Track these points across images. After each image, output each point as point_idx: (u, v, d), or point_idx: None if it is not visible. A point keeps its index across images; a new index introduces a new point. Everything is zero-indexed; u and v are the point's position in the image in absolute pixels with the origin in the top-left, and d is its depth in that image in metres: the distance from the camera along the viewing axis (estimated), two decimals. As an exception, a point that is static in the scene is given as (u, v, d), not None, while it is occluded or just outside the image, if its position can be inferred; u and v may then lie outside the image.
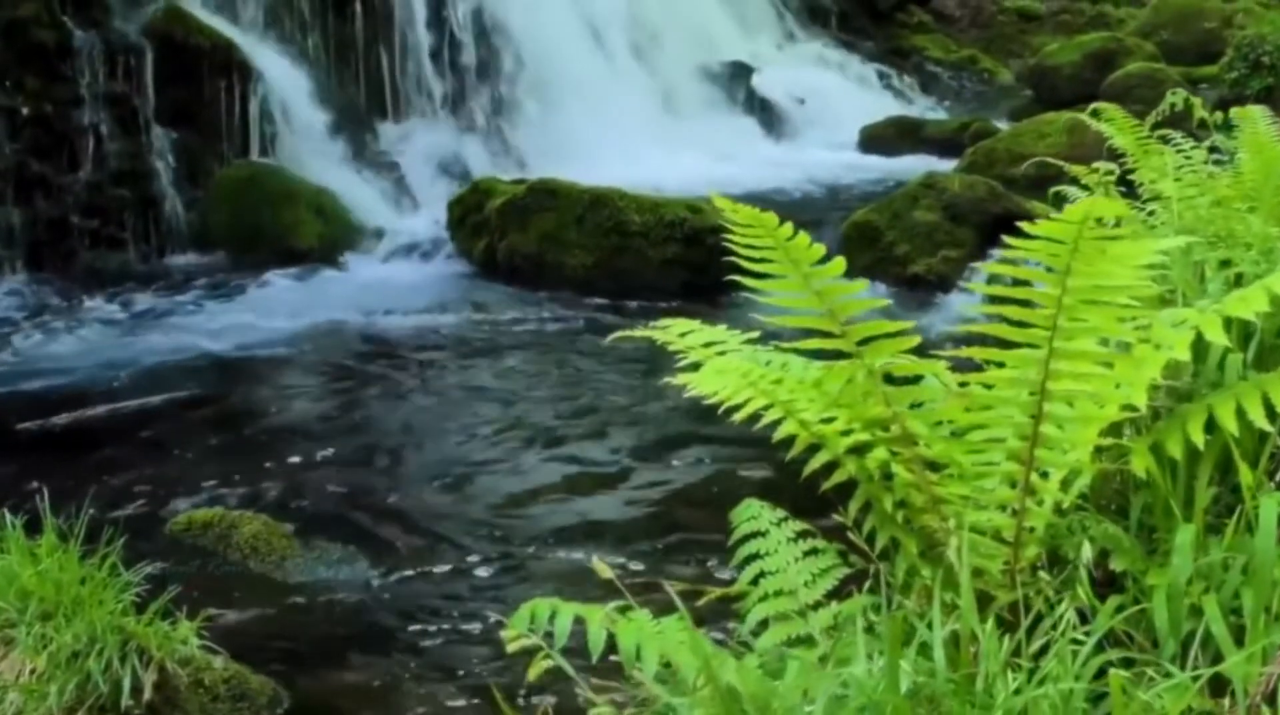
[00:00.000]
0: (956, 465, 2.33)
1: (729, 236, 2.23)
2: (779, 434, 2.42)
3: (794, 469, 2.49)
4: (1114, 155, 4.00)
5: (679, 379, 2.46)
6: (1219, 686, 1.97)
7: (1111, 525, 2.34)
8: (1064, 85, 13.18)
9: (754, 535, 2.60)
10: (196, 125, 9.11)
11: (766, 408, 2.39)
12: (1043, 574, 2.25)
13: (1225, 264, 3.14)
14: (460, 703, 3.71)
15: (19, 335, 7.41)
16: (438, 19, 10.74)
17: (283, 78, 9.58)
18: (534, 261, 8.21)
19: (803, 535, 2.59)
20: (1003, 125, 11.60)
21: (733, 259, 2.25)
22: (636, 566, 4.38)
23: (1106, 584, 2.26)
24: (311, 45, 10.11)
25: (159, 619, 3.28)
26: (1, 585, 3.21)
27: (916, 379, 2.46)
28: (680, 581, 2.40)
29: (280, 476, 5.37)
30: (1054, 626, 2.04)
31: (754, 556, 2.56)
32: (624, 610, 2.32)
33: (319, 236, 8.84)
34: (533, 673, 2.19)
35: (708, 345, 2.59)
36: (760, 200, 2.27)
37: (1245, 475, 2.20)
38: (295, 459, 5.57)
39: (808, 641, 2.41)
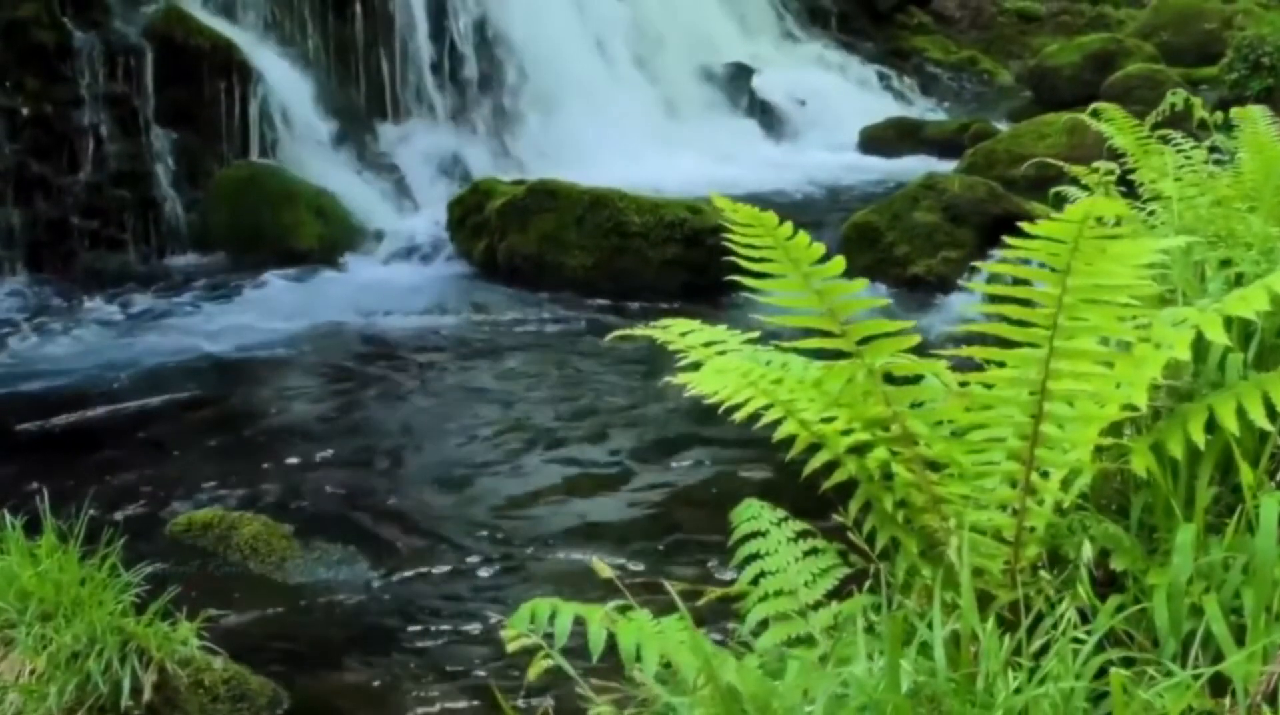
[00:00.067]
0: (957, 465, 2.33)
1: (729, 236, 2.23)
2: (779, 434, 2.42)
3: (794, 469, 2.49)
4: (1114, 156, 4.00)
5: (679, 378, 2.46)
6: (1219, 686, 1.97)
7: (1112, 525, 2.34)
8: (1064, 86, 13.18)
9: (754, 535, 2.60)
10: (196, 126, 9.11)
11: (766, 407, 2.40)
12: (1043, 573, 2.25)
13: (1225, 264, 3.14)
14: (460, 703, 3.71)
15: (19, 336, 7.41)
16: (438, 15, 10.74)
17: (283, 79, 9.57)
18: (534, 262, 8.21)
19: (803, 535, 2.59)
20: (1003, 126, 11.60)
21: (733, 259, 2.25)
22: (636, 567, 4.38)
23: (1107, 583, 2.26)
24: (312, 47, 10.11)
25: (159, 620, 3.27)
26: (1, 586, 3.21)
27: (917, 379, 2.46)
28: (680, 581, 2.40)
29: (280, 477, 5.37)
30: (1054, 626, 2.04)
31: (754, 556, 2.57)
32: (624, 610, 2.32)
33: (319, 237, 8.83)
34: (533, 672, 2.19)
35: (708, 345, 2.59)
36: (760, 201, 2.27)
37: (1246, 475, 2.20)
38: (295, 460, 5.57)
39: (808, 641, 2.41)
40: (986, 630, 2.01)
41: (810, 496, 2.49)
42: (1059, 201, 3.63)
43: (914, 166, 10.35)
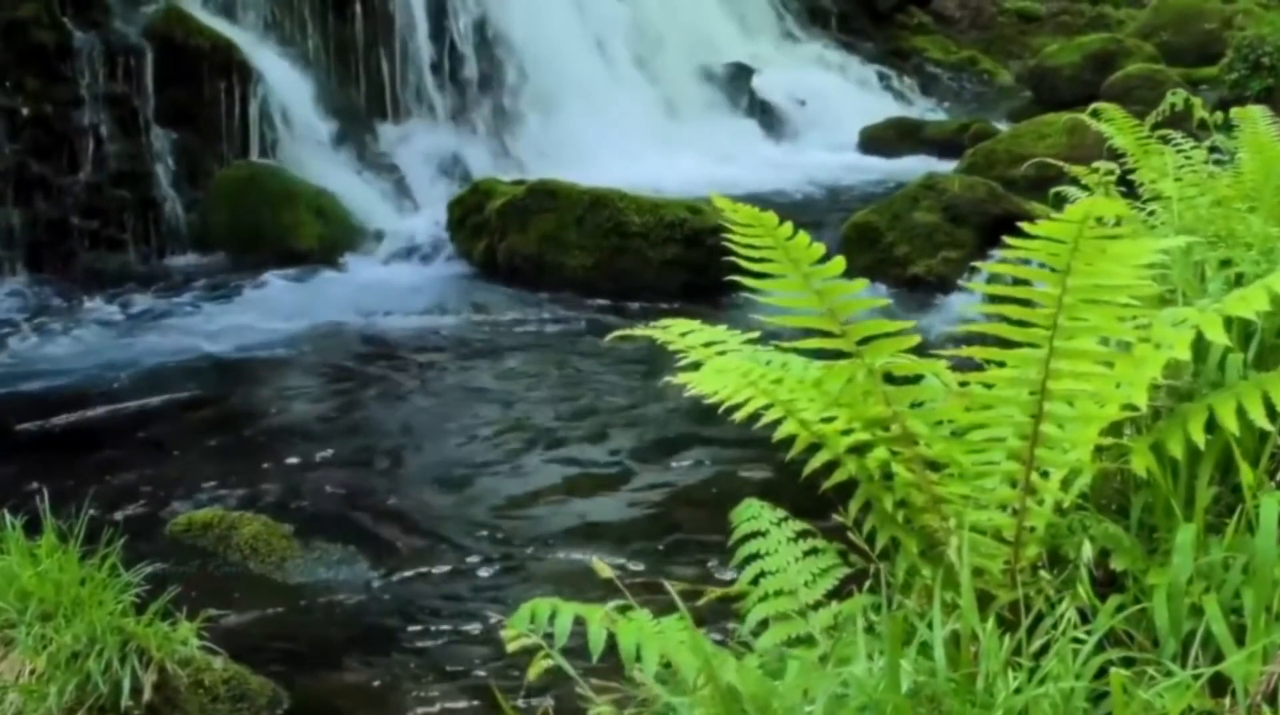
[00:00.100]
0: (957, 465, 2.33)
1: (729, 236, 2.23)
2: (779, 434, 2.42)
3: (794, 469, 2.49)
4: (1114, 155, 4.00)
5: (679, 378, 2.46)
6: (1220, 686, 1.97)
7: (1112, 525, 2.34)
8: (1064, 86, 13.18)
9: (754, 535, 2.60)
10: (196, 126, 9.11)
11: (766, 407, 2.40)
12: (1043, 573, 2.25)
13: (1225, 264, 3.14)
14: (460, 703, 3.71)
15: (19, 336, 7.41)
16: (438, 15, 10.74)
17: (283, 79, 9.57)
18: (534, 262, 8.21)
19: (803, 535, 2.59)
20: (1002, 126, 11.60)
21: (732, 259, 2.25)
22: (636, 567, 4.38)
23: (1107, 583, 2.26)
24: (312, 47, 10.10)
25: (159, 620, 3.27)
26: (1, 586, 3.21)
27: (917, 379, 2.46)
28: (680, 581, 2.40)
29: (280, 477, 5.37)
30: (1054, 626, 2.04)
31: (754, 556, 2.56)
32: (624, 610, 2.32)
33: (319, 237, 8.83)
34: (533, 672, 2.19)
35: (708, 345, 2.59)
36: (760, 201, 2.27)
37: (1246, 474, 2.20)
38: (295, 460, 5.56)
39: (808, 641, 2.41)
40: (986, 630, 2.01)
41: (810, 496, 2.49)
42: (1059, 201, 3.63)
43: (914, 166, 10.35)
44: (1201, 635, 2.03)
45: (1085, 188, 3.84)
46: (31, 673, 3.11)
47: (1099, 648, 1.98)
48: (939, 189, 8.02)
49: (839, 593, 2.49)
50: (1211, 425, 2.26)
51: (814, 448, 2.43)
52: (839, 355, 2.28)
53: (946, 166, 10.00)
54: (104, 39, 8.81)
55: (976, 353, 2.26)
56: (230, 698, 3.45)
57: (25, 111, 8.40)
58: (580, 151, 10.35)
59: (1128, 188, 3.89)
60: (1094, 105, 4.31)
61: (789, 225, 2.19)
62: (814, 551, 2.56)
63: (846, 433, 2.39)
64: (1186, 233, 3.11)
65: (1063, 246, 2.08)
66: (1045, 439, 2.26)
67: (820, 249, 2.20)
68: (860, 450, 2.41)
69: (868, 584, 2.40)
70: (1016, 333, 2.21)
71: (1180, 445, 2.27)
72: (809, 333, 2.30)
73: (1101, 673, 1.93)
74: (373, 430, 6.00)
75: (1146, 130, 4.02)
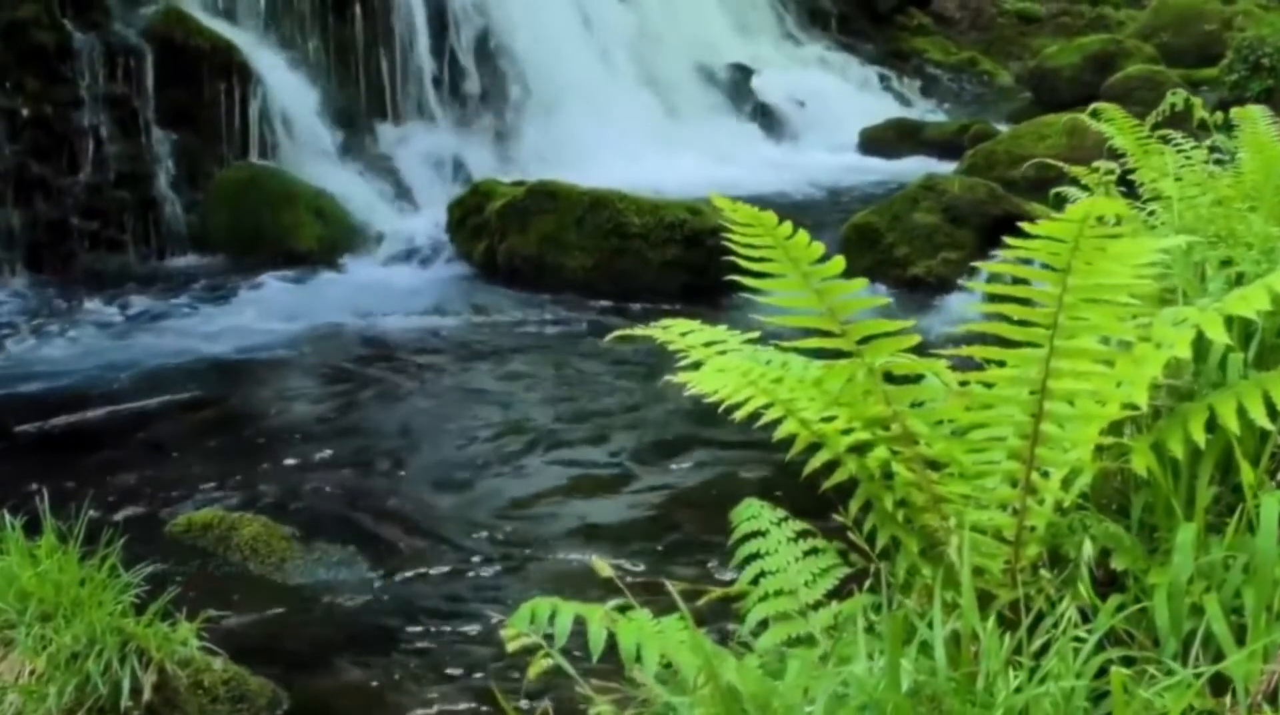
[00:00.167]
0: (957, 464, 2.33)
1: (729, 236, 2.23)
2: (779, 433, 2.42)
3: (794, 470, 2.49)
4: (1114, 156, 4.00)
5: (680, 378, 2.46)
6: (1220, 685, 1.97)
7: (1112, 524, 2.34)
8: (1064, 87, 13.19)
9: (754, 535, 2.60)
10: (196, 127, 9.12)
11: (767, 407, 2.39)
12: (1044, 573, 2.25)
13: (1226, 263, 3.13)
14: (460, 703, 3.71)
15: (18, 337, 7.41)
16: (438, 14, 10.74)
17: (283, 80, 9.58)
18: (534, 263, 8.21)
19: (803, 535, 2.59)
20: (1002, 127, 11.61)
21: (732, 259, 2.25)
22: (636, 567, 4.38)
23: (1107, 583, 2.26)
24: (311, 48, 10.11)
25: (158, 620, 3.27)
26: (1, 586, 3.20)
27: (917, 378, 2.46)
28: (680, 581, 2.39)
29: (280, 478, 5.37)
30: (1055, 625, 2.04)
31: (754, 556, 2.56)
32: (624, 610, 2.31)
33: (318, 239, 8.83)
34: (533, 672, 2.19)
35: (708, 345, 2.59)
36: (760, 202, 2.26)
37: (1247, 474, 2.20)
38: (295, 461, 5.56)
39: (808, 641, 2.41)
40: (987, 629, 2.01)
41: (810, 496, 2.49)
42: (1059, 202, 3.62)
43: (914, 167, 10.36)
44: (1202, 634, 2.03)
45: (1085, 188, 3.84)
46: (31, 673, 3.11)
47: (1099, 647, 1.98)
48: (939, 190, 8.02)
49: (839, 592, 2.49)
50: (1212, 424, 2.26)
51: (814, 447, 2.43)
52: (839, 355, 2.28)
53: (946, 167, 10.01)
54: (104, 40, 8.81)
55: (977, 352, 2.26)
56: (230, 698, 3.44)
57: (25, 112, 8.40)
58: (580, 152, 10.36)
59: (1128, 188, 3.89)
60: (1094, 106, 4.30)
61: (788, 225, 2.19)
62: (814, 551, 2.55)
63: (847, 432, 2.39)
64: (1187, 232, 3.10)
65: (1063, 246, 2.08)
66: (1046, 438, 2.25)
67: (820, 248, 2.19)
68: (860, 450, 2.41)
69: (868, 584, 2.40)
70: (1017, 332, 2.21)
71: (1181, 444, 2.27)
72: (809, 332, 2.29)
73: (1102, 672, 1.92)
74: (372, 431, 6.00)
75: (1146, 130, 4.02)
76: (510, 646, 2.24)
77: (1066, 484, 2.29)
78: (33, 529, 3.35)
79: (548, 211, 8.24)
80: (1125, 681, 1.84)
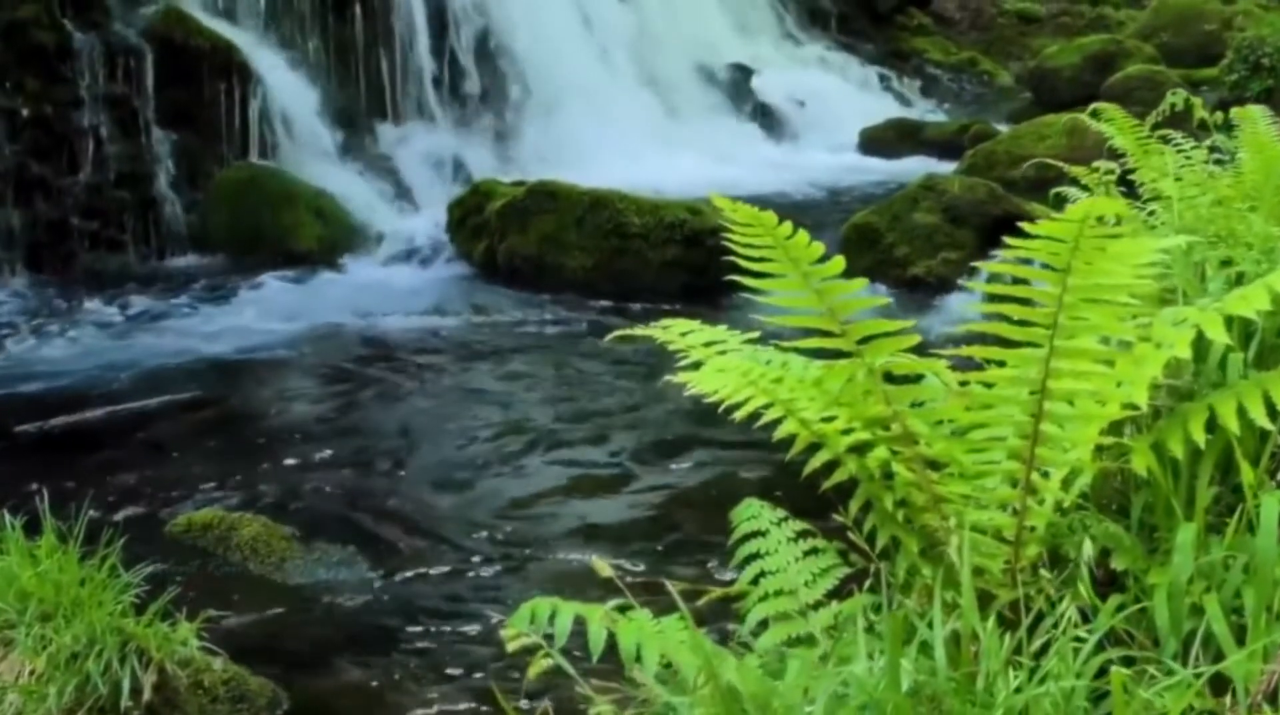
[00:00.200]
0: (957, 464, 2.33)
1: (728, 236, 2.23)
2: (779, 433, 2.42)
3: (794, 470, 2.49)
4: (1114, 156, 4.00)
5: (680, 377, 2.46)
6: (1220, 685, 1.97)
7: (1112, 524, 2.34)
8: (1064, 87, 13.19)
9: (754, 535, 2.60)
10: (196, 127, 9.11)
11: (767, 406, 2.39)
12: (1044, 573, 2.25)
13: (1226, 263, 3.13)
14: (460, 703, 3.71)
15: (18, 337, 7.40)
16: (438, 13, 10.74)
17: (283, 80, 9.58)
18: (534, 263, 8.21)
19: (803, 535, 2.59)
20: (1002, 127, 11.61)
21: (732, 258, 2.25)
22: (636, 567, 4.38)
23: (1107, 583, 2.26)
24: (311, 48, 10.11)
25: (158, 620, 3.27)
26: (1, 586, 3.20)
27: (917, 378, 2.46)
28: (680, 581, 2.39)
29: (280, 478, 5.37)
30: (1055, 625, 2.04)
31: (754, 556, 2.56)
32: (624, 610, 2.31)
33: (318, 239, 8.83)
34: (533, 671, 2.19)
35: (708, 345, 2.59)
36: (761, 202, 2.27)
37: (1247, 474, 2.20)
38: (295, 461, 5.56)
39: (808, 641, 2.40)
40: (987, 629, 2.01)
41: (810, 496, 2.49)
42: (1059, 202, 3.62)
43: (914, 168, 10.35)
44: (1202, 634, 2.03)
45: (1085, 188, 3.84)
46: (31, 673, 3.11)
47: (1099, 647, 1.98)
48: (939, 190, 8.02)
49: (839, 592, 2.49)
50: (1212, 424, 2.26)
51: (814, 447, 2.43)
52: (839, 355, 2.28)
53: (946, 167, 10.01)
54: (104, 40, 8.81)
55: (977, 352, 2.26)
56: (230, 698, 3.44)
57: (25, 112, 8.40)
58: (580, 152, 10.35)
59: (1128, 188, 3.89)
60: (1094, 106, 4.30)
61: (788, 225, 2.19)
62: (814, 551, 2.55)
63: (847, 432, 2.39)
64: (1187, 232, 3.10)
65: (1063, 245, 2.08)
66: (1046, 438, 2.25)
67: (820, 248, 2.19)
68: (860, 449, 2.41)
69: (868, 584, 2.40)
70: (1017, 332, 2.21)
71: (1181, 444, 2.27)
72: (809, 332, 2.29)
73: (1102, 672, 1.92)
74: (372, 431, 6.00)
75: (1146, 130, 4.02)
76: (510, 646, 2.24)
77: (1066, 484, 2.29)
78: (33, 529, 3.35)
79: (548, 211, 8.24)
80: (1125, 681, 1.84)
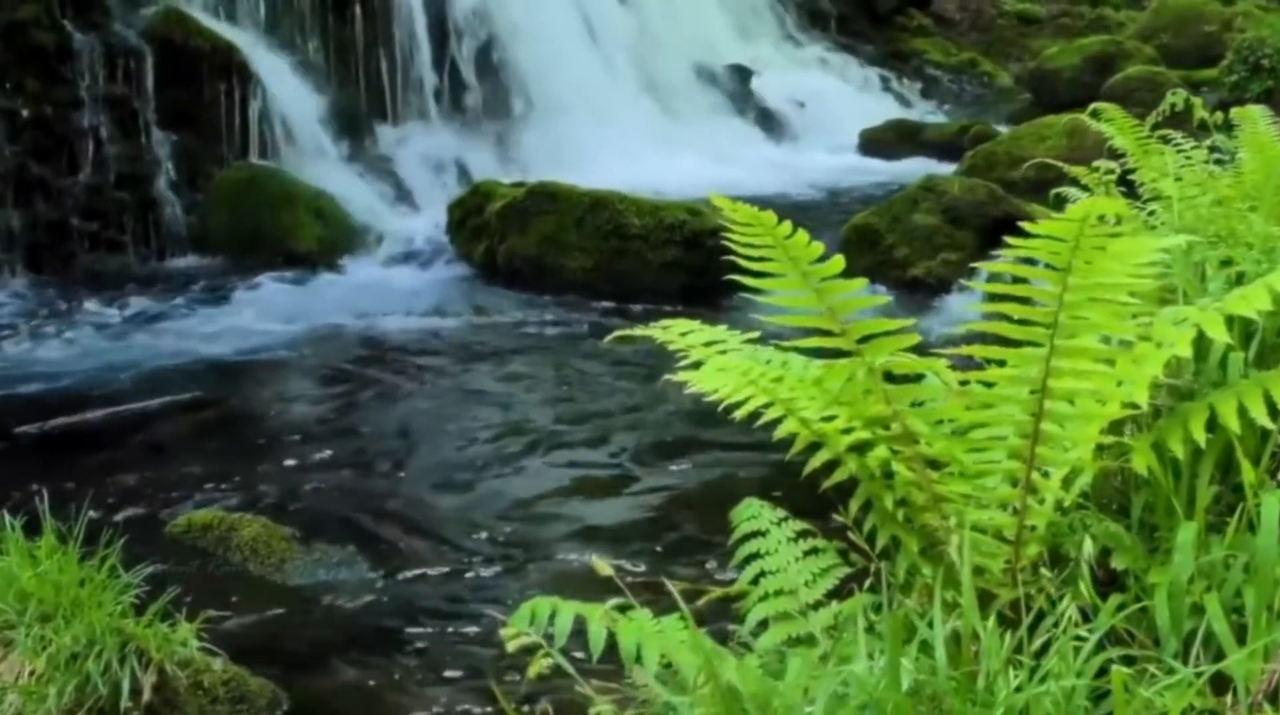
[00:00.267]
0: (957, 463, 2.32)
1: (728, 236, 2.23)
2: (779, 432, 2.42)
3: (794, 470, 2.49)
4: (1114, 156, 4.00)
5: (680, 377, 2.46)
6: (1221, 684, 1.97)
7: (1113, 523, 2.34)
8: (1064, 88, 13.19)
9: (754, 535, 2.60)
10: (196, 128, 9.12)
11: (767, 406, 2.39)
12: (1044, 572, 2.25)
13: (1226, 263, 3.13)
14: (460, 703, 3.70)
15: (18, 338, 7.40)
16: (438, 13, 10.74)
17: (283, 81, 9.58)
18: (534, 264, 8.21)
19: (803, 535, 2.59)
20: (1002, 128, 11.62)
21: (732, 259, 2.25)
22: (637, 567, 4.37)
23: (1108, 582, 2.26)
24: (311, 49, 10.11)
25: (158, 621, 3.27)
26: (1, 587, 3.20)
27: (917, 378, 2.46)
28: (681, 581, 2.39)
29: (280, 479, 5.37)
30: (1056, 624, 2.04)
31: (754, 556, 2.56)
32: (624, 609, 2.31)
33: (318, 239, 8.83)
34: (533, 671, 2.19)
35: (708, 345, 2.58)
36: (760, 203, 2.26)
37: (1247, 473, 2.20)
38: (295, 462, 5.56)
39: (808, 641, 2.40)
40: (987, 629, 2.00)
41: (810, 496, 2.49)
42: (1059, 202, 3.62)
43: (914, 168, 10.36)
44: (1203, 634, 2.03)
45: (1085, 188, 3.84)
46: (31, 674, 3.10)
47: (1100, 646, 1.98)
48: (939, 191, 8.02)
49: (839, 592, 2.49)
50: (1212, 424, 2.26)
51: (814, 447, 2.43)
52: (839, 354, 2.28)
53: (946, 168, 10.02)
54: (104, 41, 8.81)
55: (977, 351, 2.26)
56: (230, 699, 3.44)
57: (25, 113, 8.40)
58: (580, 153, 10.36)
59: (1128, 188, 3.89)
60: (1094, 106, 4.30)
61: (788, 225, 2.19)
62: (814, 551, 2.55)
63: (847, 431, 2.39)
64: (1187, 232, 3.10)
65: (1064, 245, 2.08)
66: (1046, 437, 2.25)
67: (819, 248, 2.19)
68: (860, 449, 2.41)
69: (868, 583, 2.40)
70: (1017, 331, 2.21)
71: (1181, 444, 2.26)
72: (809, 332, 2.29)
73: (1103, 671, 1.92)
74: (372, 432, 6.00)
75: (1146, 131, 4.02)
76: (510, 646, 2.24)
77: (1067, 483, 2.29)
78: (33, 529, 3.34)
79: (548, 212, 8.24)
80: (1126, 681, 1.84)
